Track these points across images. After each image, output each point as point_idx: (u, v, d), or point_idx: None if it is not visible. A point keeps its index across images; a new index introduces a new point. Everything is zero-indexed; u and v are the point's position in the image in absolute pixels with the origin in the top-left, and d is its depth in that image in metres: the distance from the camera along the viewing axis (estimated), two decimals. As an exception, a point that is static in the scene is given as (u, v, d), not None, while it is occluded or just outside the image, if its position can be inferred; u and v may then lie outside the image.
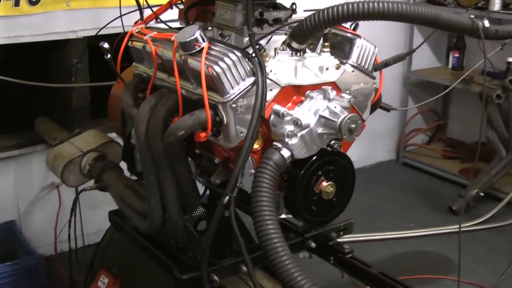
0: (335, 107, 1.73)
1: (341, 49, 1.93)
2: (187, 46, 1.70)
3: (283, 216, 1.90)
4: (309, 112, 1.74)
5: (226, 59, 1.66)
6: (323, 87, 1.77)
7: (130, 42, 2.04)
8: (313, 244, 2.13)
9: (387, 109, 2.42)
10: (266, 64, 1.71)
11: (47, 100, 3.50)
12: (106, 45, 1.83)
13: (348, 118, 1.69)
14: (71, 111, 3.37)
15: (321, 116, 1.73)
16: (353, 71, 1.87)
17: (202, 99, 1.68)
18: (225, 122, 1.67)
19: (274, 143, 1.71)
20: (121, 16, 2.40)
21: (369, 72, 1.91)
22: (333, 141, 1.84)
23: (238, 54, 1.68)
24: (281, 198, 1.83)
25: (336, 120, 1.70)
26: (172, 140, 1.72)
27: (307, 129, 1.72)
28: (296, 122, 1.71)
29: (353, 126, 1.70)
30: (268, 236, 1.56)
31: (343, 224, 2.22)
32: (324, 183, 1.78)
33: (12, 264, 2.89)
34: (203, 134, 1.69)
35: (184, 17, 2.05)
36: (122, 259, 2.39)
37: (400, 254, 3.71)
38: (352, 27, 1.99)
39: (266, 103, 1.71)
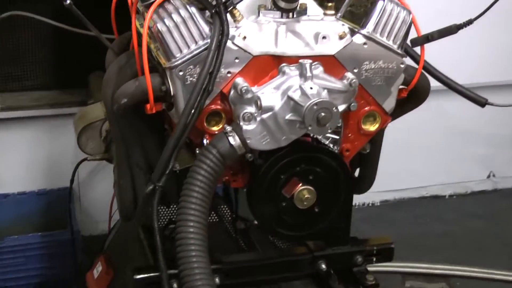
0: (311, 88, 1.60)
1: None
2: (143, -6, 1.70)
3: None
4: (276, 91, 1.63)
5: (174, 15, 1.62)
6: (301, 60, 1.64)
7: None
8: (323, 266, 2.00)
9: (480, 102, 2.20)
10: (237, 25, 1.65)
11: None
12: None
13: (316, 104, 1.55)
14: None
15: (289, 98, 1.61)
16: (365, 44, 1.71)
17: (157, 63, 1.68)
18: (172, 92, 1.65)
19: (225, 125, 1.64)
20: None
21: (392, 47, 1.74)
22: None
23: (192, 9, 1.63)
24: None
25: (303, 104, 1.57)
26: (118, 108, 1.73)
27: (269, 113, 1.61)
28: (256, 102, 1.62)
29: (323, 115, 1.56)
30: (184, 241, 1.54)
31: (376, 248, 2.07)
32: (299, 187, 1.68)
33: (44, 235, 3.12)
34: (148, 106, 1.69)
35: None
36: (122, 248, 2.49)
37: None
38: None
39: (230, 75, 1.65)
